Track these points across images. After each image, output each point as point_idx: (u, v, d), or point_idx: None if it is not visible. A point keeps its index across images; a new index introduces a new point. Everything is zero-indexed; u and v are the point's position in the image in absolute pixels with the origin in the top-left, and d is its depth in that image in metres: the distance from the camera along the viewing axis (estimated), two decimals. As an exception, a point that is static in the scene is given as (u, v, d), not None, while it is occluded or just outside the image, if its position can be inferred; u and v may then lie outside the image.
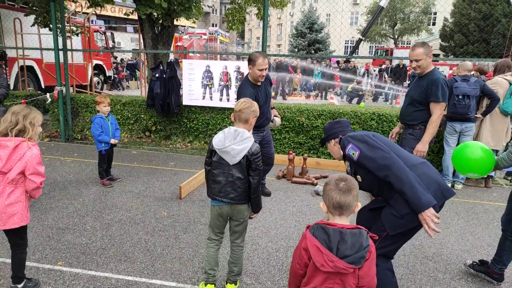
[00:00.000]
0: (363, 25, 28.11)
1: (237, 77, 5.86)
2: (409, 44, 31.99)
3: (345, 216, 1.57)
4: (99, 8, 7.52)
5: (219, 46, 20.82)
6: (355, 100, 14.25)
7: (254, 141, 2.27)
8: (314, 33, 28.76)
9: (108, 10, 24.81)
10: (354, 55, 20.38)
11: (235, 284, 2.42)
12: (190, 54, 15.60)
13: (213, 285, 2.36)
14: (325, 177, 4.96)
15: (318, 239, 1.51)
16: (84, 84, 10.39)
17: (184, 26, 21.31)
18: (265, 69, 3.49)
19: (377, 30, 31.35)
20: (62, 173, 4.79)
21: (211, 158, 2.30)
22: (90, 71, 10.63)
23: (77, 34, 9.79)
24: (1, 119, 2.21)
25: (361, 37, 19.87)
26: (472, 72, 4.68)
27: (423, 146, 3.37)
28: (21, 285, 2.34)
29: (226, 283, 2.43)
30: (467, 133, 4.59)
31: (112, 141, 4.33)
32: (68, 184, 4.38)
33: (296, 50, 28.55)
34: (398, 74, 15.44)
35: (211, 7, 45.61)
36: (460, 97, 4.42)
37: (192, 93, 6.10)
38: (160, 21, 7.02)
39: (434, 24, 32.20)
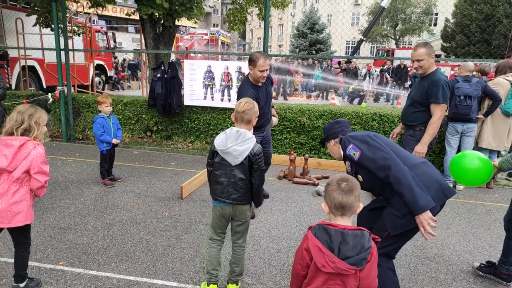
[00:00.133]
0: (364, 25, 28.08)
1: (238, 78, 5.86)
2: (411, 44, 31.97)
3: (347, 216, 1.57)
4: (101, 8, 7.54)
5: (221, 47, 20.84)
6: (356, 100, 14.24)
7: (256, 141, 2.27)
8: (315, 33, 28.76)
9: (110, 10, 24.83)
10: (355, 55, 20.36)
11: (237, 284, 2.43)
12: (191, 55, 15.60)
13: (215, 285, 2.36)
14: (326, 177, 4.96)
15: (320, 240, 1.51)
16: (85, 84, 10.41)
17: (185, 27, 21.32)
18: (266, 70, 3.43)
19: (379, 31, 31.32)
20: (63, 173, 4.79)
21: (213, 159, 2.30)
22: (91, 71, 10.65)
23: (78, 34, 9.80)
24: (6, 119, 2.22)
25: (362, 37, 19.84)
26: (474, 73, 4.67)
27: (422, 148, 3.34)
28: (23, 284, 2.34)
29: (228, 283, 2.43)
30: (468, 133, 4.58)
31: (114, 141, 4.33)
32: (70, 184, 4.39)
33: (297, 50, 28.55)
34: (399, 74, 15.42)
35: (213, 7, 45.63)
36: (462, 97, 4.41)
37: (193, 93, 6.10)
38: (162, 21, 7.03)
39: (435, 24, 32.15)
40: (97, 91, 10.58)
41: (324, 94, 15.99)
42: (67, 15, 7.89)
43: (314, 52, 27.79)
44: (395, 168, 1.88)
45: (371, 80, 15.63)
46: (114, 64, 17.37)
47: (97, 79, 12.93)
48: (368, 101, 14.61)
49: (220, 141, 2.22)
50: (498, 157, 4.84)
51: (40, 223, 3.33)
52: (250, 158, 2.20)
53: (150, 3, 6.41)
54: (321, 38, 28.73)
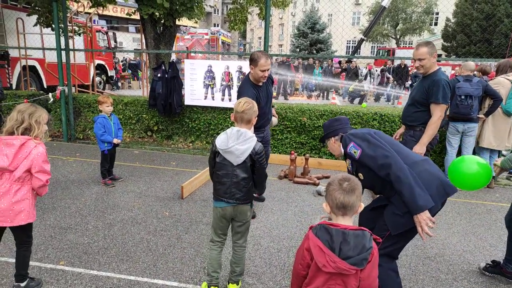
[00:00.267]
0: (365, 25, 28.06)
1: (239, 77, 5.86)
2: (411, 44, 31.94)
3: (349, 216, 1.57)
4: (101, 8, 7.54)
5: (221, 47, 20.84)
6: (356, 100, 14.24)
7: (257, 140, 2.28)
8: (316, 33, 28.75)
9: (110, 10, 24.84)
10: (356, 55, 20.35)
11: (237, 284, 2.42)
12: (192, 54, 15.60)
13: (216, 287, 2.36)
14: (327, 177, 4.95)
15: (321, 240, 1.50)
16: (86, 84, 10.41)
17: (186, 26, 21.33)
18: (268, 70, 3.41)
19: (379, 30, 31.29)
20: (64, 173, 4.80)
21: (215, 159, 2.29)
22: (92, 71, 10.66)
23: (79, 34, 9.82)
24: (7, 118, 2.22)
25: (363, 37, 19.82)
26: (475, 72, 4.66)
27: (420, 148, 3.31)
28: (24, 284, 2.34)
29: (228, 283, 2.43)
30: (469, 133, 4.58)
31: (115, 141, 4.34)
32: (70, 184, 4.39)
33: (298, 50, 28.54)
34: (400, 74, 15.41)
35: (213, 7, 45.61)
36: (463, 97, 4.40)
37: (194, 93, 6.10)
38: (162, 21, 7.03)
39: (436, 24, 32.11)
40: (97, 91, 10.59)
41: (325, 94, 15.98)
42: (68, 15, 7.89)
43: (314, 51, 27.78)
44: (395, 167, 1.88)
45: (371, 80, 15.62)
46: (114, 64, 17.39)
47: (97, 79, 12.93)
48: (368, 101, 14.60)
49: (221, 141, 2.22)
50: (499, 156, 4.83)
51: (40, 223, 3.34)
52: (252, 157, 2.21)
53: (151, 3, 6.41)
54: (322, 37, 28.72)
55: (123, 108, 6.52)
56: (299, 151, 5.76)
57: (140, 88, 14.51)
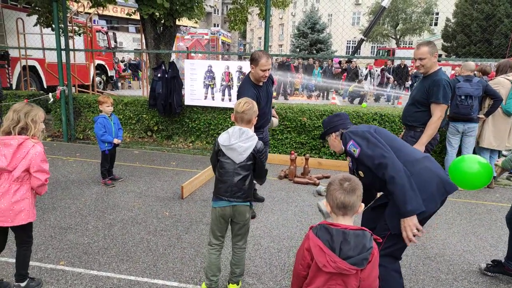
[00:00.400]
0: (365, 25, 28.06)
1: (239, 77, 5.86)
2: (411, 44, 31.94)
3: (349, 216, 1.57)
4: (101, 8, 7.54)
5: (221, 47, 20.85)
6: (357, 100, 14.24)
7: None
8: (316, 33, 28.75)
9: (110, 10, 24.84)
10: (356, 55, 20.36)
11: (237, 284, 2.42)
12: (192, 54, 15.61)
13: None
14: (327, 177, 4.95)
15: (321, 239, 1.50)
16: (86, 84, 10.41)
17: (186, 26, 21.33)
18: (268, 70, 3.40)
19: (379, 30, 31.29)
20: (64, 173, 4.80)
21: (217, 158, 2.30)
22: (92, 71, 10.66)
23: (79, 34, 9.82)
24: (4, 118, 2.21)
25: (363, 37, 19.84)
26: (475, 73, 4.66)
27: (419, 148, 3.28)
28: (24, 284, 2.34)
29: (228, 283, 2.43)
30: (469, 133, 4.58)
31: (115, 141, 4.34)
32: (70, 184, 4.39)
33: (298, 50, 28.55)
34: (400, 74, 15.41)
35: (213, 7, 45.62)
36: (463, 97, 4.40)
37: (194, 93, 6.10)
38: (162, 21, 7.03)
39: (436, 24, 32.12)
40: (97, 91, 10.59)
41: (325, 94, 15.98)
42: (68, 15, 7.89)
43: (314, 52, 27.78)
44: (391, 167, 1.87)
45: (372, 80, 15.62)
46: (114, 64, 17.40)
47: (97, 79, 12.93)
48: (368, 101, 14.60)
49: (224, 138, 2.24)
50: (499, 157, 4.83)
51: (41, 223, 3.34)
52: (254, 155, 2.23)
53: (151, 3, 6.41)
54: (322, 37, 28.72)
55: (123, 108, 6.52)
56: (299, 151, 5.76)
57: (140, 88, 14.51)
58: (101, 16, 22.95)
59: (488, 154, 4.77)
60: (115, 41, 15.02)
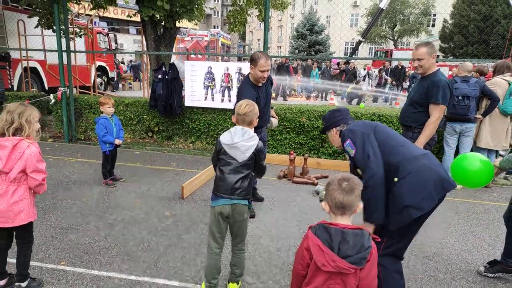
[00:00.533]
0: (363, 26, 28.11)
1: (239, 78, 5.89)
2: (409, 45, 31.96)
3: (347, 216, 1.58)
4: (102, 10, 7.57)
5: (221, 48, 20.89)
6: (355, 101, 14.27)
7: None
8: (315, 34, 28.80)
9: (111, 12, 24.85)
10: (354, 56, 20.40)
11: (237, 284, 2.44)
12: (192, 56, 15.64)
13: None
14: (326, 177, 4.98)
15: (320, 239, 1.52)
16: (87, 85, 10.44)
17: (186, 28, 21.36)
18: (267, 71, 3.42)
19: (377, 32, 31.33)
20: (65, 174, 4.82)
21: (218, 157, 2.32)
22: (93, 72, 10.69)
23: (80, 36, 9.84)
24: None
25: (361, 38, 19.86)
26: (472, 73, 4.70)
27: None
28: (25, 284, 2.35)
29: (228, 283, 2.45)
30: (467, 133, 4.61)
31: (117, 141, 4.36)
32: (72, 184, 4.41)
33: (297, 51, 28.58)
34: (397, 75, 15.45)
35: (213, 9, 45.71)
36: (460, 97, 4.43)
37: (194, 94, 6.13)
38: (163, 23, 7.06)
39: (433, 25, 32.15)
40: (98, 92, 10.60)
41: (323, 95, 16.01)
42: (69, 16, 7.92)
43: (313, 53, 27.82)
44: (373, 178, 1.94)
45: (370, 81, 15.66)
46: (115, 65, 17.41)
47: (98, 80, 12.96)
48: (366, 101, 14.63)
49: (226, 138, 2.27)
50: (496, 157, 4.86)
51: (42, 223, 3.36)
52: (255, 154, 2.27)
53: (151, 5, 6.44)
54: (320, 39, 28.76)
55: (124, 109, 6.55)
56: (298, 151, 5.79)
57: (140, 89, 14.53)
58: (102, 18, 22.96)
59: (486, 154, 4.80)
60: (116, 43, 15.04)
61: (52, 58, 8.68)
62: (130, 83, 18.97)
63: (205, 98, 6.11)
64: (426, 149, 3.36)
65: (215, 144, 2.35)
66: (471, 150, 4.81)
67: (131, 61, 21.27)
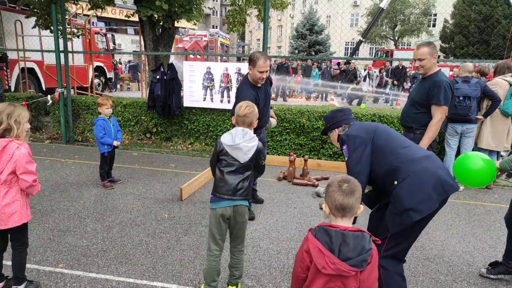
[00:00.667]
0: (363, 26, 28.13)
1: (238, 79, 5.86)
2: (409, 45, 32.00)
3: (348, 218, 1.56)
4: (100, 10, 7.54)
5: (220, 48, 20.88)
6: (355, 101, 14.26)
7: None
8: (315, 34, 28.80)
9: (109, 12, 24.83)
10: (354, 56, 20.41)
11: (237, 286, 2.42)
12: (191, 56, 15.62)
13: None
14: (326, 178, 4.95)
15: (320, 241, 1.50)
16: (85, 86, 10.41)
17: (185, 28, 21.36)
18: (266, 71, 3.38)
19: (378, 32, 31.36)
20: (63, 175, 4.79)
21: (218, 159, 2.30)
22: (91, 73, 10.65)
23: (78, 36, 9.81)
24: None
25: (361, 38, 19.87)
26: (473, 74, 4.67)
27: None
28: (22, 287, 2.33)
29: (228, 285, 2.43)
30: (468, 134, 4.59)
31: (115, 143, 4.34)
32: (69, 186, 4.38)
33: (297, 51, 28.59)
34: (398, 75, 15.45)
35: (212, 9, 45.72)
36: (461, 98, 4.41)
37: (192, 94, 6.11)
38: (161, 23, 7.03)
39: (434, 25, 32.20)
40: (96, 93, 10.57)
41: (324, 95, 16.00)
42: (67, 17, 7.89)
43: (313, 53, 27.83)
44: None
45: (370, 82, 15.65)
46: (113, 66, 17.39)
47: (96, 80, 12.93)
48: (367, 102, 14.62)
49: (227, 139, 2.25)
50: (497, 158, 4.84)
51: (39, 225, 3.33)
52: (255, 155, 2.26)
53: (150, 5, 6.42)
54: (320, 39, 28.77)
55: (122, 110, 6.52)
56: (298, 152, 5.76)
57: (139, 90, 14.51)
58: (100, 18, 22.95)
59: (487, 155, 4.78)
60: (114, 43, 15.02)
61: (50, 59, 8.65)
62: (128, 84, 18.96)
63: (204, 99, 6.08)
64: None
65: (214, 145, 2.32)
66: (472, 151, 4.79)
67: (129, 61, 21.26)
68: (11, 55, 8.84)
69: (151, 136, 6.61)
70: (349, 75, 15.39)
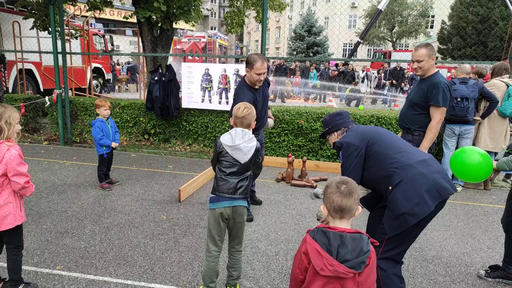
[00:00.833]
0: (361, 28, 28.21)
1: (236, 80, 5.87)
2: (407, 47, 32.12)
3: (346, 219, 1.56)
4: (98, 12, 7.53)
5: (218, 50, 20.90)
6: (353, 102, 14.29)
7: None
8: (313, 36, 28.83)
9: (107, 13, 24.82)
10: (352, 57, 20.45)
11: (235, 287, 2.41)
12: (189, 57, 15.62)
13: None
14: (325, 179, 4.96)
15: (318, 243, 1.50)
16: (83, 87, 10.39)
17: (183, 29, 21.36)
18: (264, 74, 3.37)
19: (376, 33, 31.46)
20: (60, 177, 4.77)
21: (219, 159, 2.31)
22: (89, 74, 10.63)
23: (76, 37, 9.79)
24: None
25: (359, 40, 19.93)
26: (470, 75, 4.69)
27: None
28: (19, 289, 2.32)
29: (226, 287, 2.42)
30: (466, 135, 4.60)
31: (113, 144, 4.33)
32: (67, 188, 4.36)
33: (295, 53, 28.62)
34: (396, 77, 15.49)
35: (210, 10, 45.68)
36: (459, 99, 4.43)
37: (191, 96, 6.10)
38: (159, 24, 7.02)
39: (432, 27, 32.33)
40: (94, 94, 10.55)
41: (322, 96, 16.02)
42: (65, 18, 7.88)
43: (311, 54, 27.86)
44: None
45: (368, 83, 15.68)
46: (111, 67, 17.35)
47: (94, 82, 12.90)
48: (365, 103, 14.65)
49: (227, 139, 2.25)
50: (494, 159, 4.85)
51: (37, 227, 3.31)
52: (254, 155, 2.28)
53: (148, 6, 6.41)
54: (319, 40, 28.80)
55: (120, 111, 6.51)
56: (296, 153, 5.76)
57: (137, 91, 14.50)
58: (98, 19, 22.94)
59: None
60: (112, 44, 14.99)
61: (48, 60, 8.64)
62: (127, 85, 18.94)
63: (202, 100, 6.07)
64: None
65: (214, 145, 2.33)
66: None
67: (128, 62, 21.24)
68: (9, 56, 8.80)
69: (149, 138, 6.60)
70: (347, 77, 15.42)
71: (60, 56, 6.49)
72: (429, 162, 2.04)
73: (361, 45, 21.09)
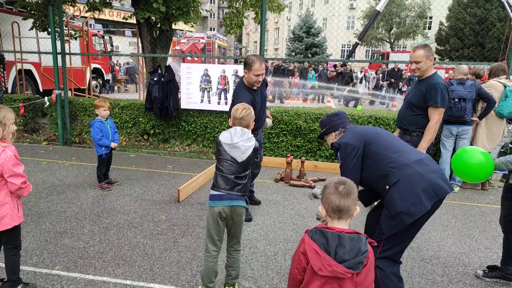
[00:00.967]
0: (359, 29, 28.26)
1: (235, 81, 5.88)
2: (405, 48, 32.20)
3: (344, 220, 1.57)
4: (98, 12, 7.53)
5: (217, 51, 20.91)
6: (352, 103, 14.32)
7: None
8: (311, 37, 28.88)
9: (107, 14, 24.80)
10: (350, 58, 20.49)
11: (233, 287, 2.42)
12: (188, 58, 15.63)
13: None
14: (323, 180, 4.97)
15: (317, 243, 1.50)
16: (82, 87, 10.38)
17: (182, 30, 21.37)
18: (262, 75, 3.36)
19: (374, 34, 31.53)
20: (60, 177, 4.77)
21: (218, 157, 2.32)
22: (88, 75, 10.62)
23: (75, 38, 9.79)
24: None
25: (358, 41, 19.97)
26: (468, 76, 4.72)
27: None
28: (18, 289, 2.32)
29: (224, 286, 2.43)
30: (463, 136, 4.62)
31: (113, 144, 4.34)
32: (66, 188, 4.37)
33: (294, 54, 28.66)
34: (394, 77, 15.53)
35: (209, 11, 45.68)
36: (456, 100, 4.45)
37: (190, 96, 6.11)
38: (159, 25, 7.03)
39: (429, 28, 32.44)
40: (94, 95, 10.55)
41: (320, 97, 16.06)
42: (64, 19, 7.88)
43: (310, 55, 27.90)
44: None
45: (367, 84, 15.72)
46: (111, 68, 17.34)
47: (93, 82, 12.90)
48: (363, 104, 14.67)
49: (226, 137, 2.27)
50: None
51: (36, 227, 3.31)
52: (253, 154, 2.29)
53: (147, 7, 6.42)
54: (317, 41, 28.86)
55: (119, 112, 6.51)
56: (295, 154, 5.78)
57: (136, 92, 14.49)
58: (97, 20, 22.91)
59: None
60: (111, 45, 14.99)
61: (47, 61, 8.63)
62: (126, 86, 18.93)
63: (201, 101, 6.09)
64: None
65: (215, 143, 2.36)
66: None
67: (127, 63, 21.23)
68: (8, 57, 8.79)
69: (148, 138, 6.61)
70: (345, 77, 15.45)
71: (59, 57, 6.49)
72: (425, 161, 2.05)
73: (359, 46, 21.12)
